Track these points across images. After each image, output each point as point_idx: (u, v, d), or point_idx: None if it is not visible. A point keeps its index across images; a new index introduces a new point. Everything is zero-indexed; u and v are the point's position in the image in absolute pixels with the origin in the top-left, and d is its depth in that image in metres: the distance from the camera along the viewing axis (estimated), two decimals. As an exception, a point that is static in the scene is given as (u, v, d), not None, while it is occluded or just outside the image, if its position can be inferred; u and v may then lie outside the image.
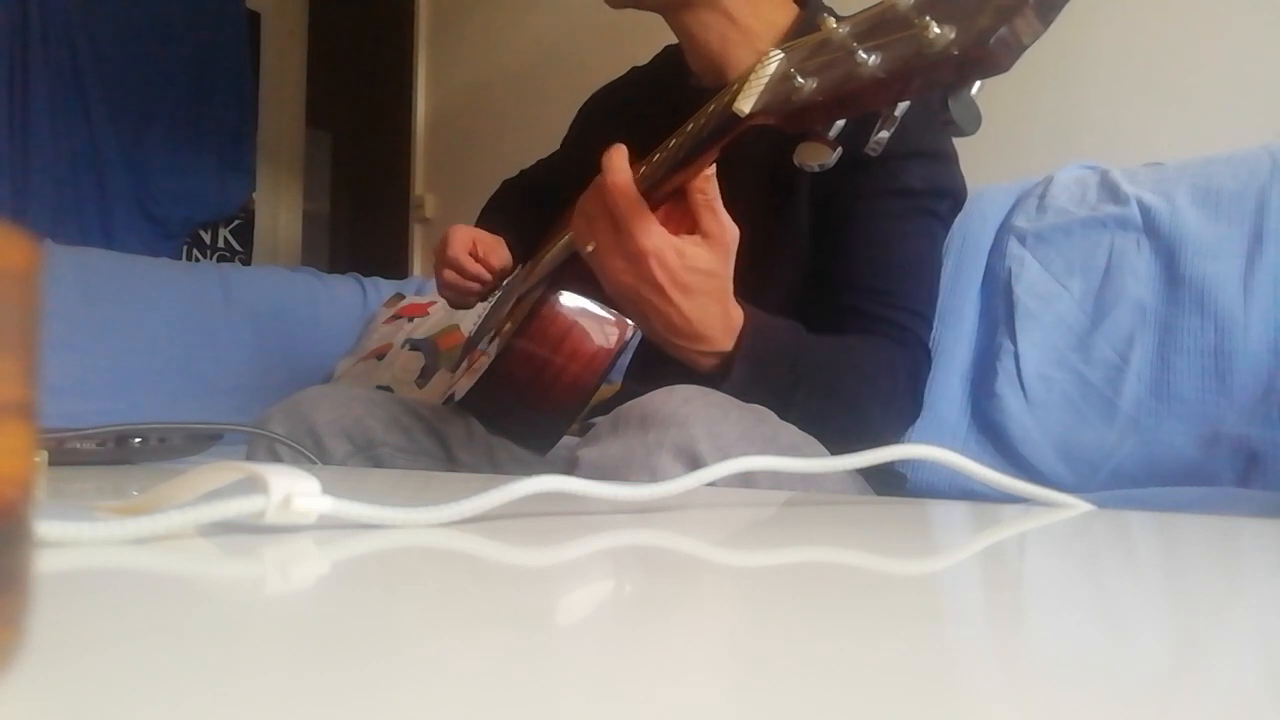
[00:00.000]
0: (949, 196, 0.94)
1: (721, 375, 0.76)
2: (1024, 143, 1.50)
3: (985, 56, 0.47)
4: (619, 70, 1.21)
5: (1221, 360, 1.12)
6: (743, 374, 0.76)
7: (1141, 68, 1.52)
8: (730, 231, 0.73)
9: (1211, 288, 1.15)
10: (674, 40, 1.11)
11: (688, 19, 0.97)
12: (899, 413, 0.91)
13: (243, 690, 0.16)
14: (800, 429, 0.80)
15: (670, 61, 1.11)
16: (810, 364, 0.82)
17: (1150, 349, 1.17)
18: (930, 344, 0.94)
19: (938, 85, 0.50)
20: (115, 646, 0.19)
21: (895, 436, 0.95)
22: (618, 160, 0.72)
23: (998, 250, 1.36)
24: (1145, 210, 1.24)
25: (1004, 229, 1.36)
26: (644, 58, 1.18)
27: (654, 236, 0.70)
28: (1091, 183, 1.33)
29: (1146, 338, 1.18)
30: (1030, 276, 1.29)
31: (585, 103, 1.23)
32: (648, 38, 1.17)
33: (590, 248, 0.74)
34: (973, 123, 0.51)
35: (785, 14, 0.99)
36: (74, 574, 0.26)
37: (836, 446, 0.77)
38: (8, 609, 0.15)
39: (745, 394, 0.77)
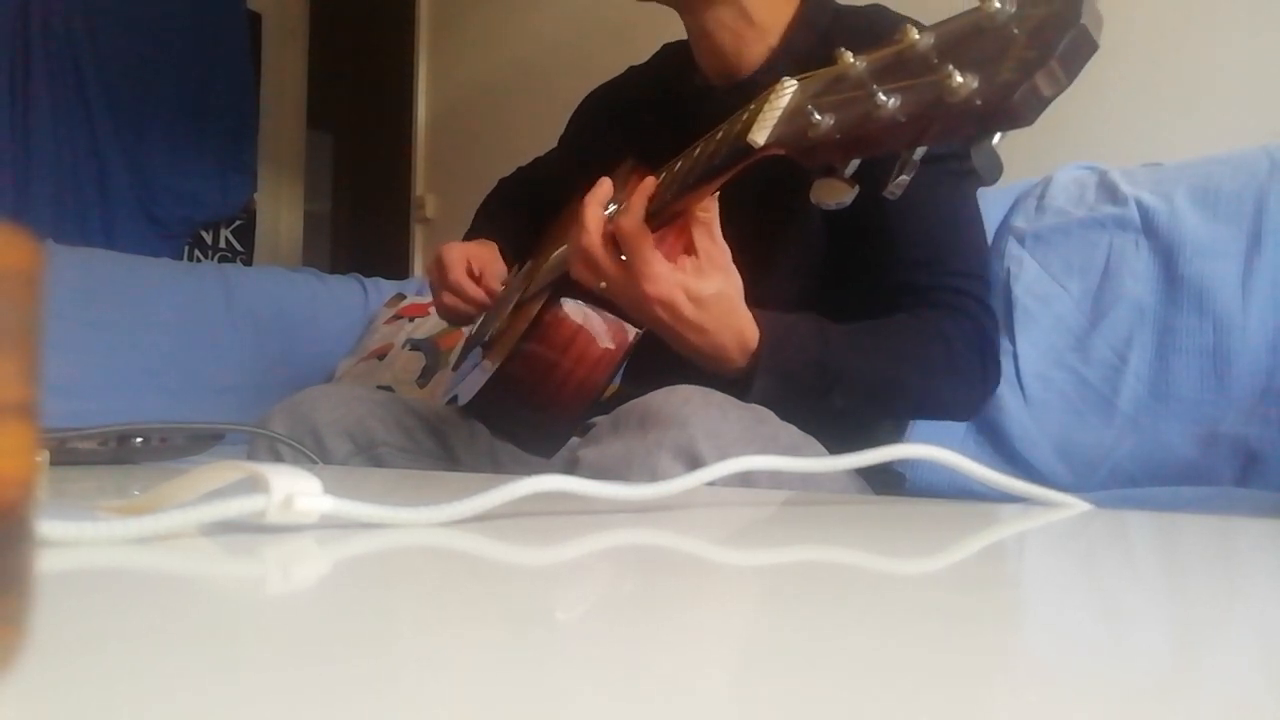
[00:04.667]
0: None
1: (744, 388, 0.77)
2: (1022, 143, 1.50)
3: (1009, 110, 0.46)
4: (621, 70, 1.21)
5: (1220, 360, 1.12)
6: (766, 386, 0.77)
7: (1141, 68, 1.52)
8: (726, 250, 0.74)
9: (1210, 288, 1.15)
10: (674, 39, 1.11)
11: (705, 16, 0.97)
12: (968, 382, 0.88)
13: (244, 689, 0.16)
14: (860, 423, 0.80)
15: (670, 60, 1.11)
16: (842, 364, 0.80)
17: (1149, 349, 1.17)
18: (990, 302, 0.91)
19: (958, 134, 0.49)
20: (116, 646, 0.19)
21: (975, 406, 0.93)
22: (590, 221, 0.74)
23: (996, 251, 1.36)
24: (1144, 210, 1.24)
25: (1002, 229, 1.36)
26: (646, 57, 1.18)
27: (659, 282, 0.72)
28: (1090, 183, 1.33)
29: (1145, 338, 1.18)
30: (1029, 277, 1.29)
31: (583, 102, 1.23)
32: (650, 37, 1.17)
33: (602, 285, 0.76)
34: (994, 171, 0.50)
35: (789, 5, 0.99)
36: (75, 574, 0.26)
37: (837, 446, 0.77)
38: (9, 609, 0.15)
39: (775, 404, 0.78)
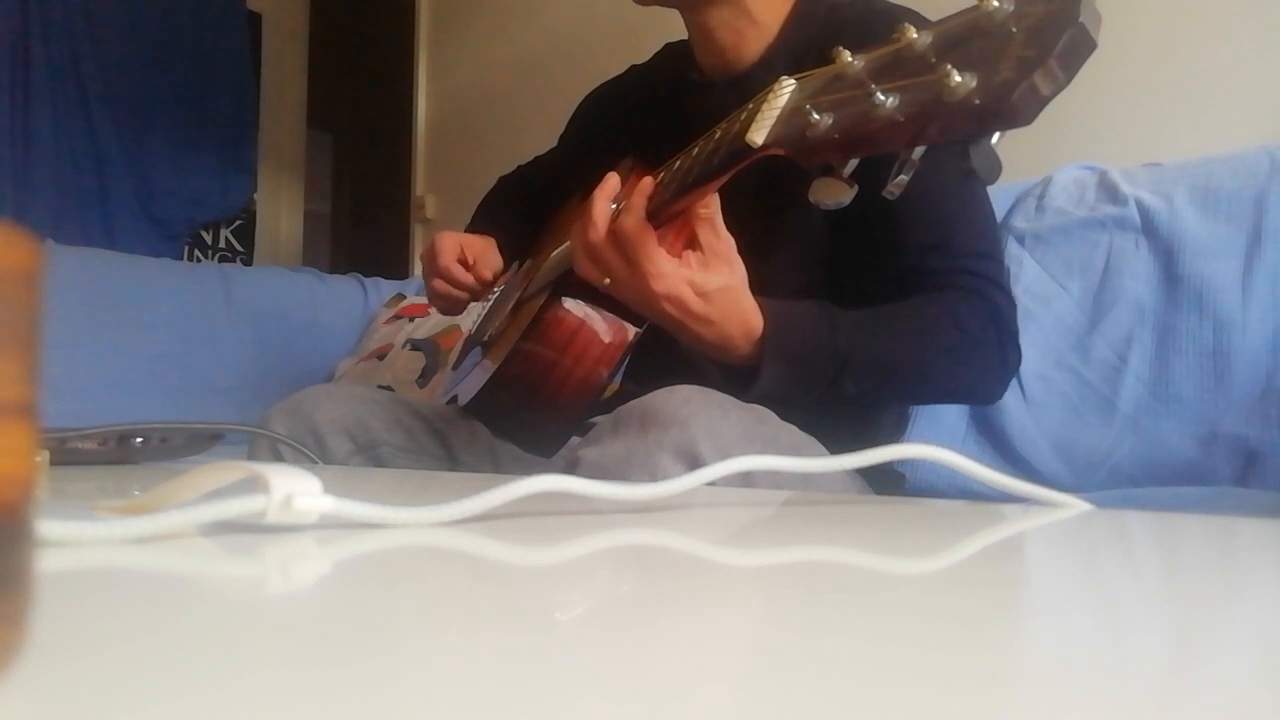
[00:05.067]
0: None
1: (753, 377, 0.77)
2: (1022, 143, 1.50)
3: (1007, 109, 0.46)
4: (622, 69, 1.21)
5: (1220, 360, 1.12)
6: (774, 373, 0.76)
7: (1141, 68, 1.52)
8: (729, 242, 0.74)
9: (1210, 288, 1.15)
10: (675, 38, 1.11)
11: (707, 14, 0.97)
12: (984, 364, 0.86)
13: (243, 689, 0.16)
14: (873, 408, 0.79)
15: (672, 59, 1.11)
16: (850, 347, 0.79)
17: (1149, 349, 1.17)
18: (1006, 282, 0.89)
19: (956, 133, 0.49)
20: (115, 646, 0.19)
21: (994, 390, 0.91)
22: (598, 216, 0.74)
23: (997, 250, 1.36)
24: (1144, 210, 1.24)
25: (1003, 229, 1.36)
26: (647, 56, 1.18)
27: (665, 280, 0.72)
28: (1090, 183, 1.33)
29: (1145, 338, 1.18)
30: (1029, 277, 1.30)
31: (583, 100, 1.23)
32: (651, 36, 1.17)
33: (607, 281, 0.75)
34: (993, 171, 0.50)
35: (786, 1, 0.99)
36: (75, 574, 0.26)
37: (838, 446, 0.77)
38: (9, 609, 0.15)
39: (785, 392, 0.77)
